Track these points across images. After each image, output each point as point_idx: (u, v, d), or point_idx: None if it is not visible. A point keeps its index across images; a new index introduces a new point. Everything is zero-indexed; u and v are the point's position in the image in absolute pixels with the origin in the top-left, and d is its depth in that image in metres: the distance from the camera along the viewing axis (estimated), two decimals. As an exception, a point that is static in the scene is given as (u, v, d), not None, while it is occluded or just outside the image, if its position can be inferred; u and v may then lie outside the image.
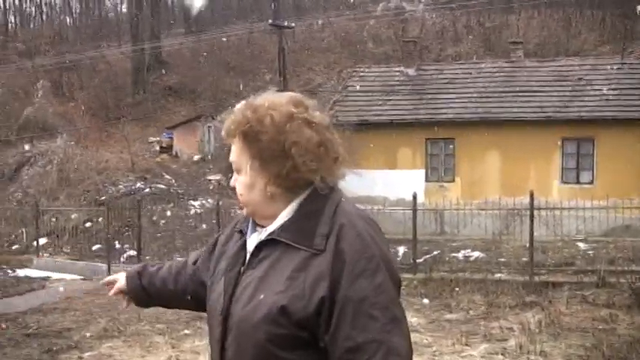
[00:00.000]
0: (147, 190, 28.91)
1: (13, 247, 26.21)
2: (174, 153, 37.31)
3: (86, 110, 42.72)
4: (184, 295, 3.16)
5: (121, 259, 22.01)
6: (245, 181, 2.59)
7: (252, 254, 2.60)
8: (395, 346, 2.39)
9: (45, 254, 24.19)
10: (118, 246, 23.25)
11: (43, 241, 24.94)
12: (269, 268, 2.51)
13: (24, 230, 26.84)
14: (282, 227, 2.53)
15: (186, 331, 12.73)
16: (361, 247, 2.43)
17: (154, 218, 25.49)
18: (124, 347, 11.68)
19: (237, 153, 2.60)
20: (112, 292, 3.40)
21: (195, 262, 3.12)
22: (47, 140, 34.70)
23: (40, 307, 15.97)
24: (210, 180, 31.82)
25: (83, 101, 43.80)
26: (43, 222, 25.66)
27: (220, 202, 22.02)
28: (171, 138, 38.08)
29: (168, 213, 26.13)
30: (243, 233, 2.72)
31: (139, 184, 29.50)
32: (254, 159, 2.54)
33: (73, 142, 35.00)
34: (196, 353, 10.82)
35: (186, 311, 14.12)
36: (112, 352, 11.36)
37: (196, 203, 27.60)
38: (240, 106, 2.61)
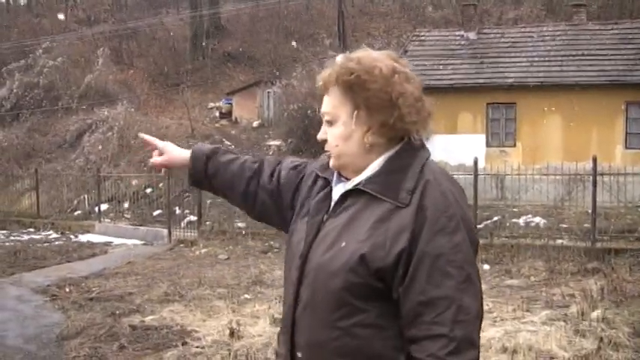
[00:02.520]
0: (207, 156, 29.00)
1: (75, 213, 26.58)
2: (233, 119, 37.45)
3: (146, 77, 43.05)
4: (252, 202, 3.13)
5: (182, 225, 22.19)
6: (341, 131, 2.65)
7: (337, 203, 2.68)
8: (466, 305, 2.46)
9: (106, 220, 24.49)
10: (178, 211, 23.40)
11: (104, 207, 25.25)
12: (352, 217, 2.59)
13: (86, 196, 27.18)
14: (369, 179, 2.62)
15: (246, 296, 12.82)
16: (444, 205, 2.51)
17: (214, 184, 25.60)
18: (185, 311, 11.78)
19: (334, 104, 2.66)
20: (156, 161, 3.26)
21: (271, 175, 3.08)
22: (108, 107, 34.99)
23: (102, 271, 16.22)
24: (270, 145, 31.90)
25: (143, 68, 44.15)
26: (104, 188, 25.97)
27: (280, 168, 22.02)
28: (230, 104, 38.23)
29: (228, 179, 26.20)
30: (329, 181, 2.77)
31: (199, 150, 29.59)
32: (358, 109, 2.60)
33: (133, 109, 35.30)
34: (256, 317, 10.85)
35: (247, 276, 14.33)
36: (173, 316, 11.46)
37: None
38: (339, 58, 2.69)
